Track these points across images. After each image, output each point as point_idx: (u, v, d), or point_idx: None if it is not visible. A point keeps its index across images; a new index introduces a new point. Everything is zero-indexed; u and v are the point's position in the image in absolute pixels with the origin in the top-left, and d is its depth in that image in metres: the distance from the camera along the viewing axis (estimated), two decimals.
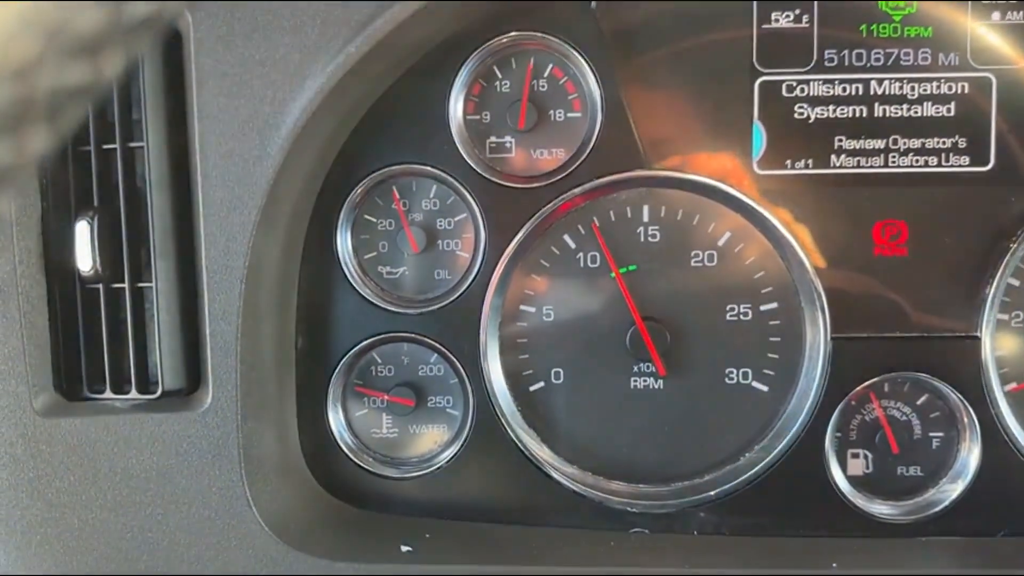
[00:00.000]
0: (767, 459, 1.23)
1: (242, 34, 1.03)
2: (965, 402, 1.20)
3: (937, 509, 1.22)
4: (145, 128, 1.06)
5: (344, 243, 1.23)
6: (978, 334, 1.19)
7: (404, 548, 1.12)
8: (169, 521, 1.08)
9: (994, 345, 1.21)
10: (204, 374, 1.08)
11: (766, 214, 1.21)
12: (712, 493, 1.24)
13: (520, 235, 1.21)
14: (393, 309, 1.24)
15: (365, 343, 1.24)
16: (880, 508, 1.23)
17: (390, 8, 1.01)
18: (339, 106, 1.07)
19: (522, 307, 1.26)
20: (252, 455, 1.08)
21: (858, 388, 1.21)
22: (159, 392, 1.08)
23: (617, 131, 1.20)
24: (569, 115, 1.23)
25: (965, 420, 1.21)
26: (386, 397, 1.26)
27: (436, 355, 1.25)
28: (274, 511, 1.10)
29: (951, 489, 1.22)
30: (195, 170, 1.05)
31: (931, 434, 1.24)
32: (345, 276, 1.23)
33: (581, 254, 1.25)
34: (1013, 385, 1.23)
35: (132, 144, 1.07)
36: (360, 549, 1.11)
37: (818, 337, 1.21)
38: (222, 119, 1.03)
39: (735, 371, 1.25)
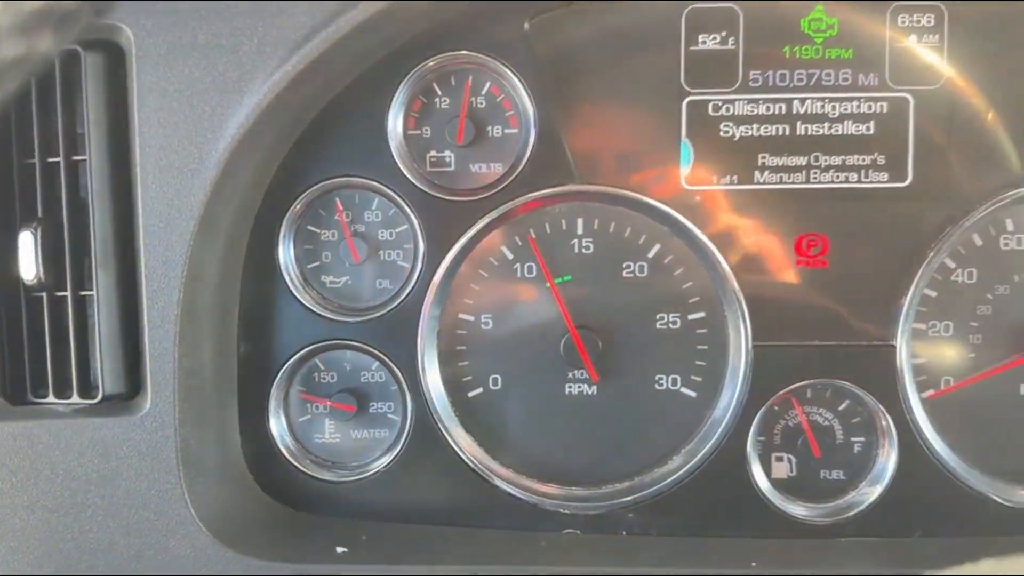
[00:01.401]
0: (692, 462, 1.28)
1: (182, 52, 1.07)
2: (882, 408, 1.26)
3: (856, 511, 1.27)
4: (88, 142, 1.10)
5: (287, 253, 1.27)
6: (894, 343, 1.25)
7: (339, 550, 1.16)
8: (110, 522, 1.11)
9: (911, 353, 1.27)
10: (144, 380, 1.11)
11: (693, 227, 1.26)
12: (640, 495, 1.29)
13: (457, 246, 1.25)
14: (334, 317, 1.28)
15: (307, 350, 1.28)
16: (800, 510, 1.29)
17: (325, 29, 1.05)
18: (277, 121, 1.11)
19: (461, 316, 1.30)
20: (191, 458, 1.12)
21: (778, 394, 1.26)
22: (99, 397, 1.12)
23: (550, 147, 1.25)
24: (506, 131, 1.27)
25: (883, 426, 1.27)
26: (328, 403, 1.30)
27: (377, 362, 1.29)
28: (213, 512, 1.14)
29: (870, 492, 1.27)
30: (136, 182, 1.09)
31: (852, 439, 1.30)
32: (287, 285, 1.27)
33: (518, 265, 1.30)
34: (931, 392, 1.29)
35: (76, 157, 1.11)
36: (296, 550, 1.15)
37: (740, 345, 1.26)
38: (162, 133, 1.07)
39: (664, 377, 1.30)
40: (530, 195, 1.25)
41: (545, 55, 1.24)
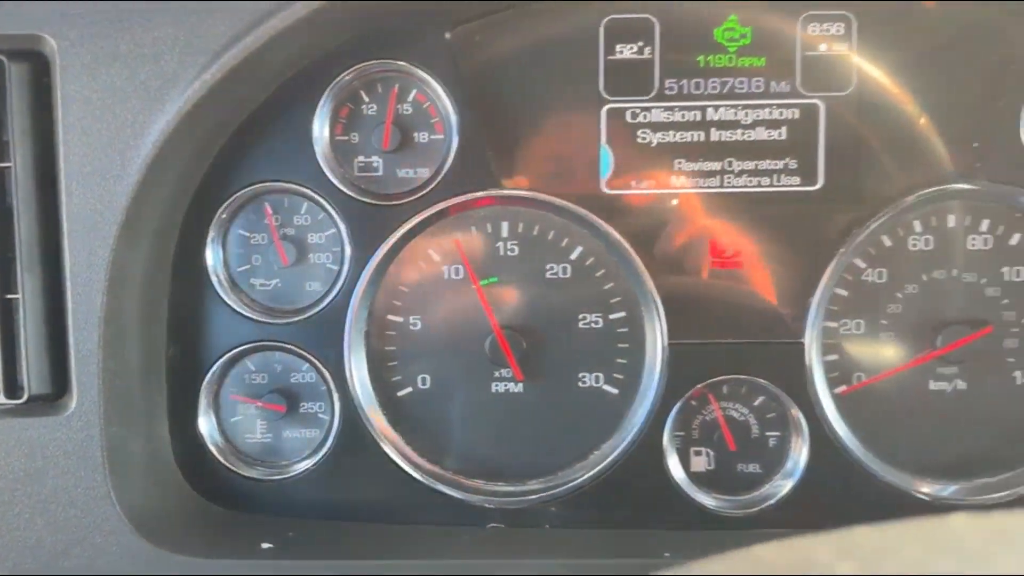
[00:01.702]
0: (611, 457, 1.32)
1: (105, 61, 1.10)
2: (793, 404, 1.30)
3: (769, 503, 1.32)
4: (13, 149, 1.13)
5: (215, 256, 1.31)
6: (803, 340, 1.30)
7: (264, 545, 1.19)
8: (37, 520, 1.14)
9: (823, 350, 1.32)
10: (69, 380, 1.14)
11: (611, 231, 1.30)
12: (562, 489, 1.33)
13: (382, 250, 1.29)
14: (263, 319, 1.31)
15: (236, 351, 1.31)
16: (715, 502, 1.33)
17: (244, 38, 1.09)
18: (199, 127, 1.14)
19: (390, 317, 1.34)
20: (117, 457, 1.15)
21: (692, 390, 1.31)
22: (25, 397, 1.15)
23: (473, 153, 1.29)
24: (432, 137, 1.31)
25: (795, 421, 1.31)
26: (258, 403, 1.33)
27: (307, 363, 1.33)
28: (139, 510, 1.17)
29: (783, 485, 1.32)
30: (60, 189, 1.12)
31: (767, 433, 1.34)
32: (215, 288, 1.30)
33: (445, 267, 1.33)
34: (843, 387, 1.33)
35: (0, 164, 1.14)
36: (222, 546, 1.18)
37: (656, 343, 1.31)
38: (86, 141, 1.10)
39: (587, 375, 1.34)
40: (452, 200, 1.29)
41: (467, 63, 1.28)
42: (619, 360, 1.34)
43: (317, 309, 1.30)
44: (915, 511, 1.31)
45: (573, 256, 1.33)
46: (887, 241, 1.32)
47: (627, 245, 1.30)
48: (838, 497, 1.31)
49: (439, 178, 1.29)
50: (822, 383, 1.31)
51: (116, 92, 1.10)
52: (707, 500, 1.33)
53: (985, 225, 1.31)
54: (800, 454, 1.31)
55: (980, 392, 1.33)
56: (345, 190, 1.28)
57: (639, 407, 1.32)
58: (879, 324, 1.33)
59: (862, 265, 1.32)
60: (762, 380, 1.30)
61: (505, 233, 1.33)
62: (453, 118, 1.28)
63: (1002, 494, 1.31)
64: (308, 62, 1.24)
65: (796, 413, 1.31)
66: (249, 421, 1.35)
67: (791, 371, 1.30)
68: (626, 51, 1.30)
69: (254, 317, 1.31)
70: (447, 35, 1.26)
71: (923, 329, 1.32)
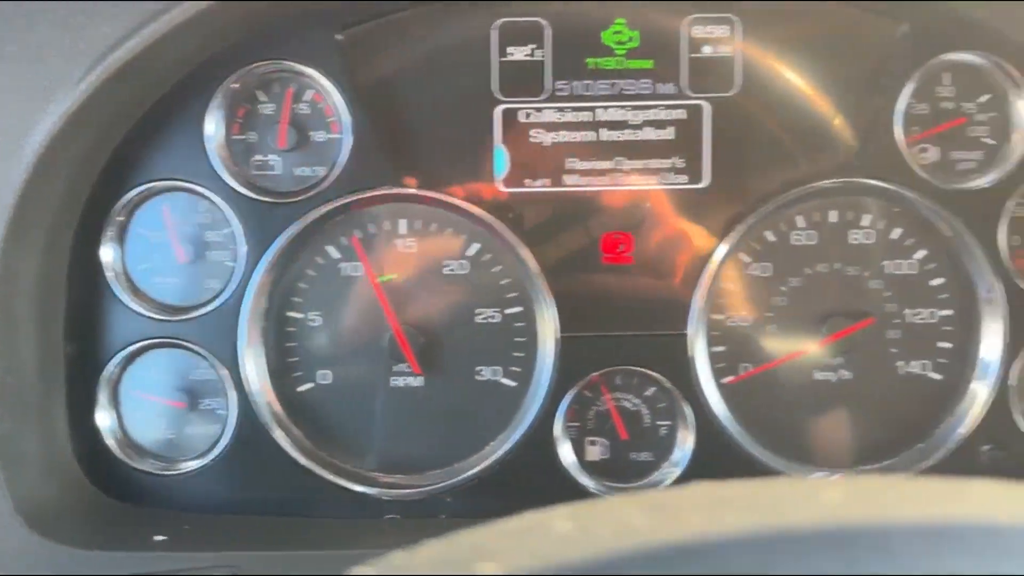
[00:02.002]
0: (505, 447, 1.35)
1: None
2: (679, 394, 1.35)
3: (660, 489, 1.36)
4: None
5: (113, 254, 1.32)
6: (686, 332, 1.34)
7: (157, 538, 1.21)
8: None
9: (707, 342, 1.36)
10: None
11: (505, 228, 1.33)
12: (458, 480, 1.36)
13: (275, 247, 1.31)
14: (160, 317, 1.33)
15: (135, 348, 1.33)
16: (605, 490, 1.37)
17: (129, 40, 1.11)
18: (88, 128, 1.16)
19: (289, 313, 1.36)
20: (10, 452, 1.16)
21: (583, 382, 1.35)
22: None
23: (367, 152, 1.32)
24: (329, 136, 1.34)
25: (681, 410, 1.36)
26: (159, 400, 1.35)
27: (205, 360, 1.35)
28: (34, 505, 1.18)
29: (671, 473, 1.36)
30: None
31: (659, 423, 1.39)
32: (111, 286, 1.32)
33: (344, 264, 1.36)
34: (730, 378, 1.38)
35: None
36: (114, 539, 1.20)
37: (549, 336, 1.34)
38: None
39: (485, 369, 1.38)
40: (347, 198, 1.31)
41: (359, 64, 1.31)
42: (516, 354, 1.37)
43: (212, 306, 1.32)
44: None
45: (470, 252, 1.36)
46: (771, 236, 1.37)
47: (521, 242, 1.33)
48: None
49: (331, 177, 1.32)
50: (707, 373, 1.35)
51: (3, 92, 1.12)
52: (597, 487, 1.37)
53: (866, 220, 1.37)
54: (686, 443, 1.36)
55: (864, 382, 1.38)
56: (239, 188, 1.31)
57: (532, 399, 1.36)
58: (765, 316, 1.37)
59: (747, 260, 1.37)
60: (650, 371, 1.35)
61: (403, 230, 1.36)
62: (346, 118, 1.31)
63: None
64: (199, 62, 1.26)
65: (683, 403, 1.35)
66: (151, 417, 1.37)
67: (677, 362, 1.34)
68: (518, 53, 1.34)
69: (151, 315, 1.33)
70: (338, 36, 1.30)
71: (807, 321, 1.37)
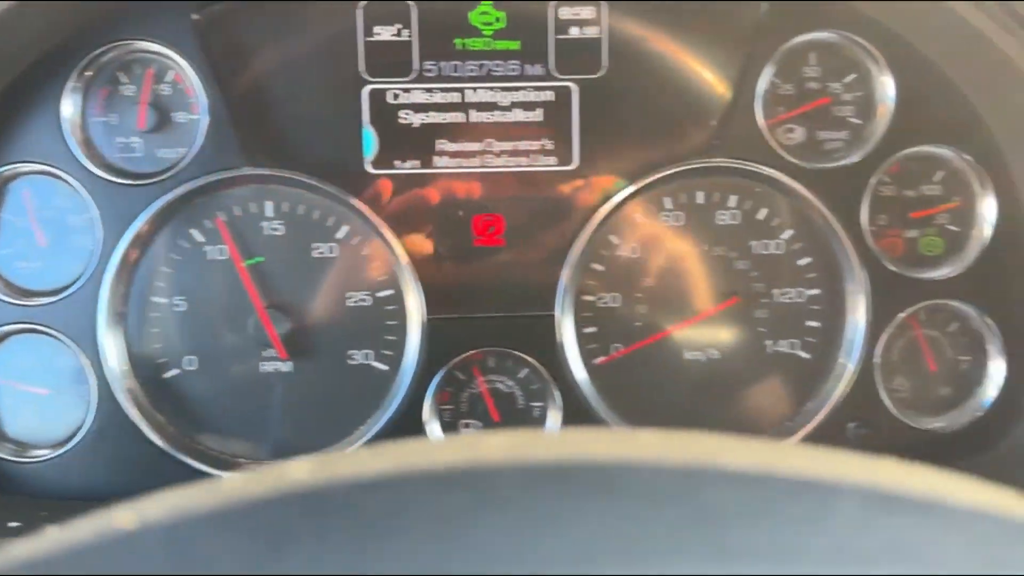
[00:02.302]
0: (373, 431, 1.35)
1: None
2: (548, 375, 1.35)
3: None
4: None
5: None
6: (554, 313, 1.34)
7: (12, 524, 1.19)
8: None
9: (576, 323, 1.36)
10: None
11: (370, 211, 1.32)
12: None
13: (131, 230, 1.29)
14: (20, 302, 1.30)
15: None
16: None
17: None
18: None
19: (153, 298, 1.34)
20: None
21: (451, 363, 1.34)
22: None
23: (226, 133, 1.30)
24: (191, 117, 1.32)
25: (551, 391, 1.36)
26: (21, 386, 1.33)
27: (66, 346, 1.32)
28: None
29: None
30: None
31: (532, 404, 1.39)
32: None
33: (208, 247, 1.34)
34: (601, 358, 1.39)
35: None
36: None
37: (417, 319, 1.34)
38: None
39: (357, 352, 1.37)
40: (201, 180, 1.30)
41: (219, 44, 1.29)
42: (388, 337, 1.37)
43: (70, 291, 1.30)
44: None
45: (339, 235, 1.35)
46: (640, 218, 1.38)
47: (388, 225, 1.33)
48: None
49: (187, 158, 1.30)
50: (575, 354, 1.36)
51: None
52: None
53: (733, 201, 1.38)
54: (556, 424, 1.36)
55: (734, 361, 1.40)
56: (95, 171, 1.28)
57: (402, 382, 1.35)
58: (634, 297, 1.38)
59: (616, 241, 1.38)
60: (519, 352, 1.35)
61: (270, 212, 1.35)
62: (203, 98, 1.29)
63: None
64: (55, 43, 1.23)
65: (551, 384, 1.36)
66: (14, 404, 1.34)
67: (545, 344, 1.35)
68: (385, 33, 1.33)
69: (12, 300, 1.30)
70: (194, 16, 1.27)
71: (676, 301, 1.38)
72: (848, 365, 1.37)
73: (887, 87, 1.33)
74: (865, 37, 1.32)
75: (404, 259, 1.32)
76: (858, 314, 1.36)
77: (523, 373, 1.38)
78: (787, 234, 1.38)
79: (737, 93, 1.33)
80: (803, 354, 1.40)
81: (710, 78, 1.34)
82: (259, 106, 1.31)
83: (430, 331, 1.33)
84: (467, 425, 1.39)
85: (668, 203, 1.37)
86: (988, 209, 1.36)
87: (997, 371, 1.37)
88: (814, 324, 1.40)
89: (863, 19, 1.30)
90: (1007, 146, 1.32)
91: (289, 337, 1.34)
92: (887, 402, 1.37)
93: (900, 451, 1.37)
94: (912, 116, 1.34)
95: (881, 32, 1.31)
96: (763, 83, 1.33)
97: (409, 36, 1.33)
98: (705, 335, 1.39)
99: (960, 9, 1.18)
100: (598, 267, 1.38)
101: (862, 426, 1.37)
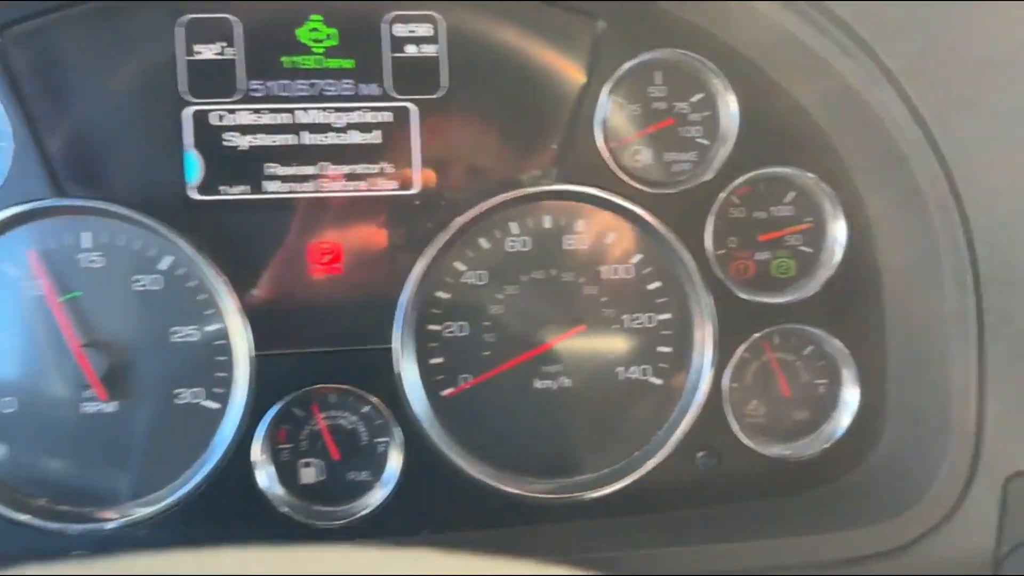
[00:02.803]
0: (201, 474, 1.27)
1: None
2: (388, 410, 1.29)
3: (365, 512, 1.30)
4: None
5: None
6: (391, 346, 1.28)
7: None
8: None
9: (417, 355, 1.30)
10: None
11: (193, 241, 1.24)
12: (153, 510, 1.26)
13: None
14: None
15: None
16: (312, 516, 1.30)
17: None
18: None
19: None
20: None
21: (283, 402, 1.27)
22: None
23: (37, 160, 1.20)
24: (1, 143, 1.22)
25: (392, 427, 1.30)
26: None
27: None
28: None
29: (380, 493, 1.31)
30: None
31: (376, 440, 1.32)
32: None
33: (24, 282, 1.25)
34: (449, 390, 1.33)
35: None
36: None
37: (244, 355, 1.26)
38: None
39: (185, 391, 1.28)
40: (10, 211, 1.20)
41: (23, 66, 1.20)
42: (219, 374, 1.28)
43: None
44: (517, 512, 1.34)
45: (162, 266, 1.26)
46: (485, 243, 1.32)
47: (210, 255, 1.25)
48: (435, 502, 1.30)
49: None
50: (417, 388, 1.30)
51: None
52: (302, 513, 1.29)
53: (580, 225, 1.33)
54: (395, 461, 1.30)
55: (585, 389, 1.35)
56: None
57: (230, 421, 1.27)
58: (482, 325, 1.33)
59: (462, 268, 1.32)
60: (355, 388, 1.28)
61: (87, 244, 1.25)
62: (6, 124, 1.20)
63: (602, 492, 1.34)
64: None
65: (391, 420, 1.29)
66: None
67: (385, 378, 1.28)
68: (207, 51, 1.25)
69: None
70: None
71: (525, 329, 1.33)
72: (697, 392, 1.34)
73: (731, 106, 1.30)
74: (706, 55, 1.28)
75: (229, 292, 1.25)
76: (705, 340, 1.33)
77: (366, 408, 1.31)
78: (636, 259, 1.34)
79: (576, 115, 1.28)
80: (655, 380, 1.37)
81: (552, 99, 1.29)
82: (70, 131, 1.22)
83: (258, 368, 1.26)
84: (307, 464, 1.32)
85: (514, 228, 1.32)
86: (839, 231, 1.34)
87: (852, 398, 1.36)
88: (665, 350, 1.36)
89: (703, 36, 1.27)
90: (854, 166, 1.30)
91: (109, 376, 1.25)
92: (736, 429, 1.34)
93: (750, 481, 1.35)
94: (758, 136, 1.31)
95: (722, 50, 1.28)
96: (604, 104, 1.29)
97: (234, 54, 1.25)
98: (556, 363, 1.34)
99: (791, 25, 1.16)
100: (443, 295, 1.32)
101: (711, 455, 1.33)
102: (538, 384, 1.35)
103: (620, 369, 1.36)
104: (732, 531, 1.28)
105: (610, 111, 1.30)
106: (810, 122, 1.30)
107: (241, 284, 1.26)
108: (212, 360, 1.28)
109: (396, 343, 1.28)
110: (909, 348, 1.28)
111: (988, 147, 1.13)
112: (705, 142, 1.33)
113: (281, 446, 1.31)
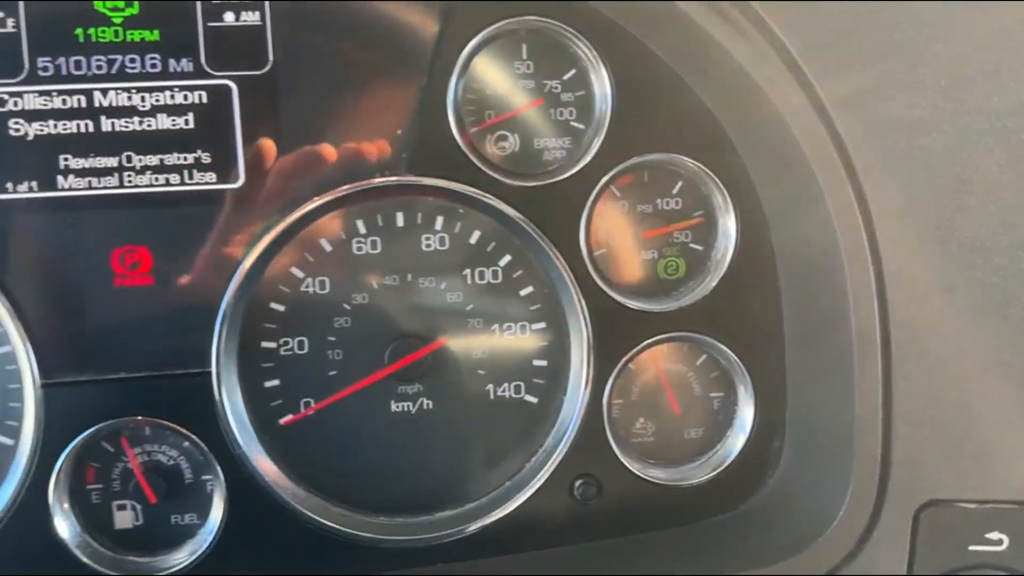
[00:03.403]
0: None
1: None
2: (203, 444, 1.10)
3: (185, 564, 1.11)
4: None
5: None
6: (209, 369, 1.09)
7: None
8: None
9: (253, 377, 1.12)
10: None
11: None
12: None
13: None
14: None
15: None
16: (112, 567, 1.11)
17: None
18: None
19: None
20: None
21: (77, 438, 1.07)
22: None
23: None
24: None
25: (211, 462, 1.11)
26: None
27: None
28: None
29: (205, 540, 1.12)
30: None
31: (203, 478, 1.14)
32: None
33: None
34: (288, 417, 1.15)
35: None
36: None
37: (30, 383, 1.07)
38: None
39: None
40: None
41: None
42: (12, 404, 1.09)
43: None
44: (367, 559, 1.16)
45: None
46: (327, 246, 1.14)
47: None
48: (267, 551, 1.12)
49: None
50: (242, 417, 1.11)
51: None
52: (106, 565, 1.10)
53: (439, 223, 1.15)
54: (220, 504, 1.12)
55: (449, 411, 1.18)
56: None
57: (19, 461, 1.08)
58: (326, 341, 1.14)
59: (300, 274, 1.13)
60: (166, 421, 1.09)
61: None
62: None
63: (467, 530, 1.17)
64: None
65: (211, 455, 1.11)
66: None
67: (201, 406, 1.09)
68: None
69: None
70: None
71: (378, 344, 1.15)
72: (574, 412, 1.17)
73: (605, 84, 1.12)
74: (573, 24, 1.10)
75: (9, 311, 1.05)
76: (584, 352, 1.16)
77: (188, 442, 1.13)
78: (504, 261, 1.17)
79: (427, 95, 1.10)
80: (530, 399, 1.19)
81: (399, 76, 1.11)
82: None
83: (47, 399, 1.06)
84: (123, 507, 1.13)
85: (361, 227, 1.14)
86: (731, 226, 1.17)
87: (747, 415, 1.20)
88: (541, 364, 1.19)
89: (568, 5, 1.09)
90: (747, 155, 1.13)
91: None
92: (619, 453, 1.18)
93: (636, 511, 1.19)
94: (638, 120, 1.13)
95: (594, 19, 1.10)
96: (457, 82, 1.10)
97: (15, 27, 1.04)
98: (414, 383, 1.16)
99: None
100: (278, 307, 1.13)
101: (591, 483, 1.17)
102: (395, 407, 1.17)
103: (490, 387, 1.19)
104: (614, 570, 1.12)
105: (465, 90, 1.12)
106: (698, 105, 1.13)
107: (27, 300, 1.06)
108: (5, 388, 1.09)
109: (215, 366, 1.09)
110: (808, 360, 1.13)
111: (892, 136, 0.98)
112: (580, 126, 1.15)
113: (91, 486, 1.12)
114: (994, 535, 1.04)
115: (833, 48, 1.00)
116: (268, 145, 1.10)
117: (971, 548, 1.03)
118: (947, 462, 1.03)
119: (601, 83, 1.13)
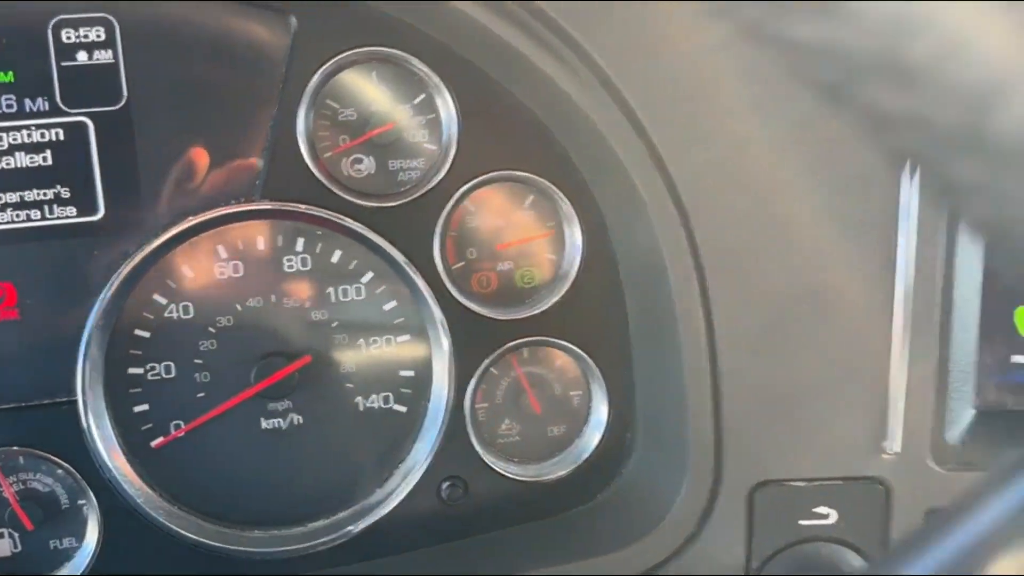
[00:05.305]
0: None
1: None
2: (77, 473, 1.14)
3: None
4: None
5: None
6: (75, 397, 1.13)
7: None
8: None
9: (122, 403, 1.15)
10: None
11: None
12: None
13: None
14: None
15: None
16: None
17: None
18: None
19: None
20: None
21: None
22: None
23: None
24: None
25: (83, 488, 1.15)
26: None
27: None
28: None
29: (78, 567, 1.15)
30: None
31: (80, 502, 1.17)
32: None
33: None
34: (159, 440, 1.18)
35: None
36: None
37: None
38: None
39: None
40: None
41: None
42: None
43: None
44: (243, 571, 1.21)
45: None
46: (188, 272, 1.18)
47: None
48: (143, 564, 1.16)
49: None
50: (111, 442, 1.14)
51: None
52: None
53: (300, 244, 1.20)
54: (94, 527, 1.15)
55: (320, 424, 1.23)
56: None
57: None
58: (193, 364, 1.18)
59: (162, 301, 1.17)
60: (36, 449, 1.12)
61: None
62: None
63: (339, 538, 1.22)
64: None
65: (82, 481, 1.14)
66: None
67: (70, 433, 1.13)
68: None
69: None
70: None
71: (245, 365, 1.20)
72: (438, 417, 1.23)
73: (449, 107, 1.19)
74: (414, 52, 1.16)
75: None
76: (444, 361, 1.22)
77: (60, 469, 1.15)
78: (367, 277, 1.22)
79: (278, 123, 1.15)
80: (399, 408, 1.25)
81: (251, 106, 1.15)
82: None
83: None
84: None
85: (222, 252, 1.18)
86: (578, 237, 1.25)
87: (602, 413, 1.27)
88: (407, 374, 1.25)
89: (409, 32, 1.15)
90: (584, 170, 1.21)
91: None
92: (483, 453, 1.25)
93: (502, 508, 1.26)
94: (483, 140, 1.20)
95: (432, 47, 1.16)
96: (306, 110, 1.15)
97: None
98: (283, 400, 1.21)
99: (492, 25, 1.06)
100: (143, 333, 1.17)
101: (457, 485, 1.23)
102: (265, 424, 1.21)
103: (359, 399, 1.24)
104: (481, 566, 1.19)
105: (318, 116, 1.17)
106: (537, 123, 1.20)
107: None
108: None
109: (80, 394, 1.12)
110: (651, 356, 1.21)
111: (710, 152, 1.07)
112: (432, 147, 1.22)
113: None
114: (822, 509, 1.13)
115: (646, 65, 1.08)
116: (126, 177, 1.14)
117: (801, 523, 1.12)
118: (776, 444, 1.12)
119: (447, 106, 1.19)
